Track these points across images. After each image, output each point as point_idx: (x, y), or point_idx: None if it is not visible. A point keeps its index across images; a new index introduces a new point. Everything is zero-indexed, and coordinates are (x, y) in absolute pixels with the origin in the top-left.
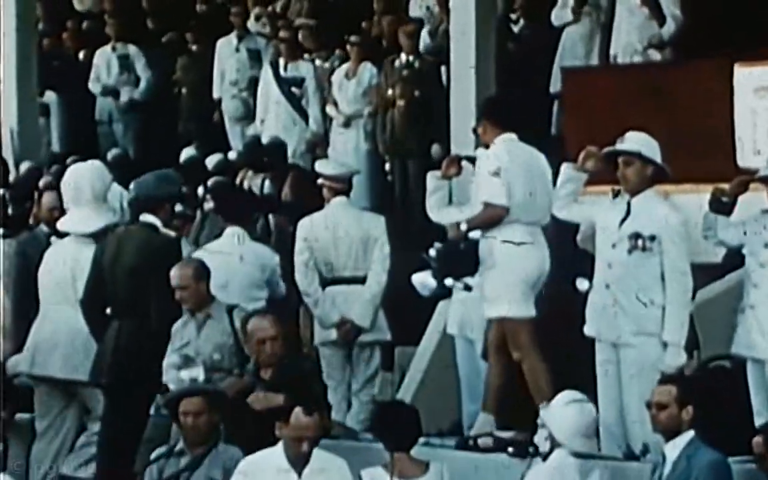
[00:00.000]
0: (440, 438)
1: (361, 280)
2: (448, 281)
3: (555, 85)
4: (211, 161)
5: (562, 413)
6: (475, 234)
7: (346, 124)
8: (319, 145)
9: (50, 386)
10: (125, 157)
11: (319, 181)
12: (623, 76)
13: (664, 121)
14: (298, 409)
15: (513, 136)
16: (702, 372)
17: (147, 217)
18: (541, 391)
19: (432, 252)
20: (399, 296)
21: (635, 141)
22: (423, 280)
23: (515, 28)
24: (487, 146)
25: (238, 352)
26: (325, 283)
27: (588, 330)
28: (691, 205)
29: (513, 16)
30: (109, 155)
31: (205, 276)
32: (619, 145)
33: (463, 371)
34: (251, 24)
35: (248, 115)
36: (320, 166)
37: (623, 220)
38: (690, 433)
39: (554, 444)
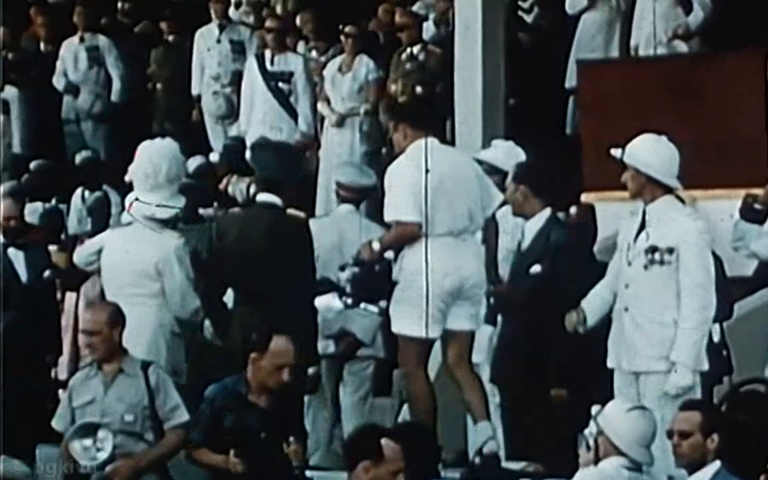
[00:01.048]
0: (444, 469)
1: None
2: (362, 304)
3: (570, 80)
4: (189, 164)
5: (623, 419)
6: None
7: (340, 123)
8: (309, 147)
9: None
10: (96, 161)
11: (334, 186)
12: (645, 70)
13: (690, 120)
14: None
15: (432, 140)
16: (731, 397)
17: (268, 197)
18: (419, 415)
19: (345, 275)
20: None
21: (634, 146)
22: (328, 304)
23: (528, 17)
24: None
25: (153, 414)
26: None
27: (610, 361)
28: (721, 213)
29: (525, 4)
30: (78, 158)
31: (121, 322)
32: (615, 150)
33: None
34: (232, 12)
35: (231, 113)
36: (339, 172)
37: (639, 232)
38: (716, 465)
39: (599, 455)
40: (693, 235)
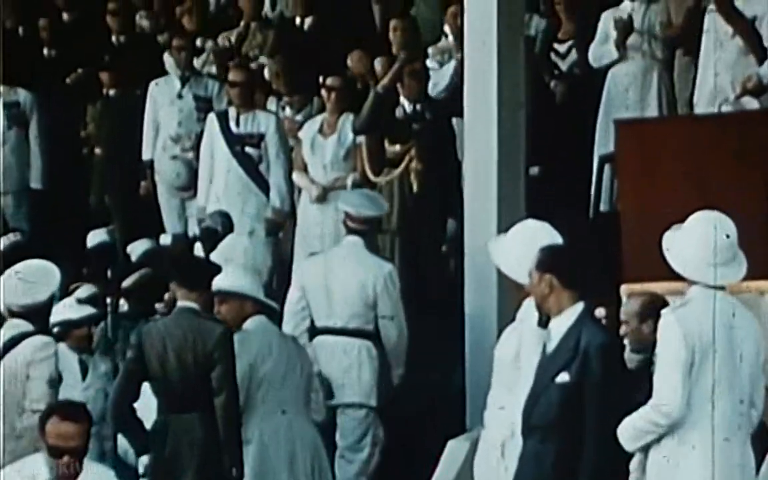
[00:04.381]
0: None
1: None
2: None
3: (601, 144)
4: (135, 249)
5: None
6: None
7: (322, 198)
8: (283, 226)
9: None
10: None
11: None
12: (702, 130)
13: (762, 193)
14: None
15: None
16: None
17: None
18: None
19: None
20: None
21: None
22: None
23: (562, 64)
24: None
25: None
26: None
27: None
28: None
29: (561, 48)
30: (3, 242)
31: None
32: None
33: None
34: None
35: (192, 183)
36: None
37: None
38: None
39: None
40: (661, 329)
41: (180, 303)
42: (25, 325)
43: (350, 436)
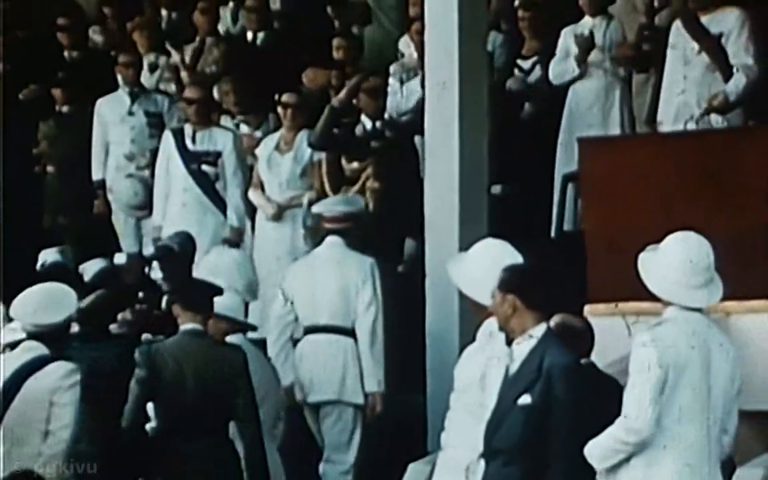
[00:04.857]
0: None
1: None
2: None
3: (563, 163)
4: (88, 269)
5: None
6: None
7: (278, 217)
8: (241, 244)
9: None
10: None
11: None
12: (667, 148)
13: (728, 212)
14: None
15: None
16: None
17: None
18: None
19: None
20: None
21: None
22: None
23: (527, 79)
24: None
25: None
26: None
27: None
28: (760, 330)
29: (525, 64)
30: None
31: None
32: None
33: None
34: (147, 77)
35: (150, 201)
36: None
37: None
38: None
39: None
40: (632, 349)
41: (185, 326)
42: (41, 348)
43: (337, 438)
